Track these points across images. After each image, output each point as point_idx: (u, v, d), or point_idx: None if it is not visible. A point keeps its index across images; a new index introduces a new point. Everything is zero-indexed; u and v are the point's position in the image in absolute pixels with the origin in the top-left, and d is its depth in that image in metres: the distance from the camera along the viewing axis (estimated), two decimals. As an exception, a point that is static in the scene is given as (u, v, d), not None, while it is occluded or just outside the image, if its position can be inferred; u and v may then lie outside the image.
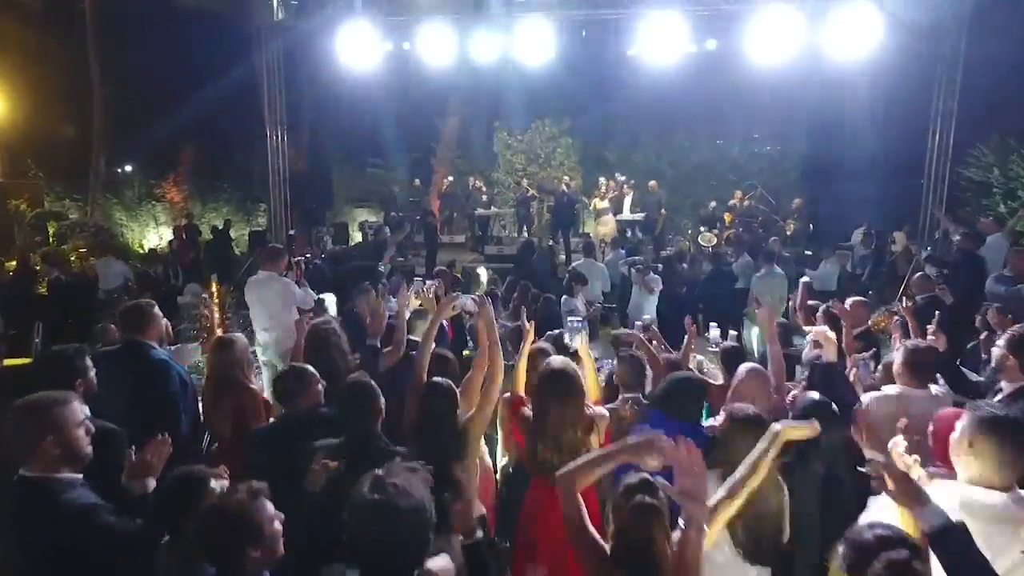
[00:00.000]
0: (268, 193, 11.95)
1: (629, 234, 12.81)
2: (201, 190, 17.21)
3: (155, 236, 17.02)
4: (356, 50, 11.20)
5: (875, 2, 10.28)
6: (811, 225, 12.39)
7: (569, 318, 3.85)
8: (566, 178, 12.91)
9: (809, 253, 11.84)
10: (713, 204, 13.16)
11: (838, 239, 12.99)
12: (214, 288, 9.60)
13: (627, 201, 12.57)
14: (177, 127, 16.44)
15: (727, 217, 13.15)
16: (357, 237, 15.92)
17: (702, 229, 12.83)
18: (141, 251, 17.12)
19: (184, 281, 10.28)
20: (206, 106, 15.61)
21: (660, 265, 8.54)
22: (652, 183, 12.79)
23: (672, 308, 7.83)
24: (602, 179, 12.53)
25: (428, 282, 4.96)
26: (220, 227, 14.14)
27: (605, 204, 12.04)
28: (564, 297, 6.86)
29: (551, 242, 12.23)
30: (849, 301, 4.71)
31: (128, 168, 17.58)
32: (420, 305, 4.35)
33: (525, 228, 14.87)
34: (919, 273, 6.19)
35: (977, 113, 11.78)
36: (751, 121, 16.16)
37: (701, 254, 10.50)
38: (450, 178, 17.31)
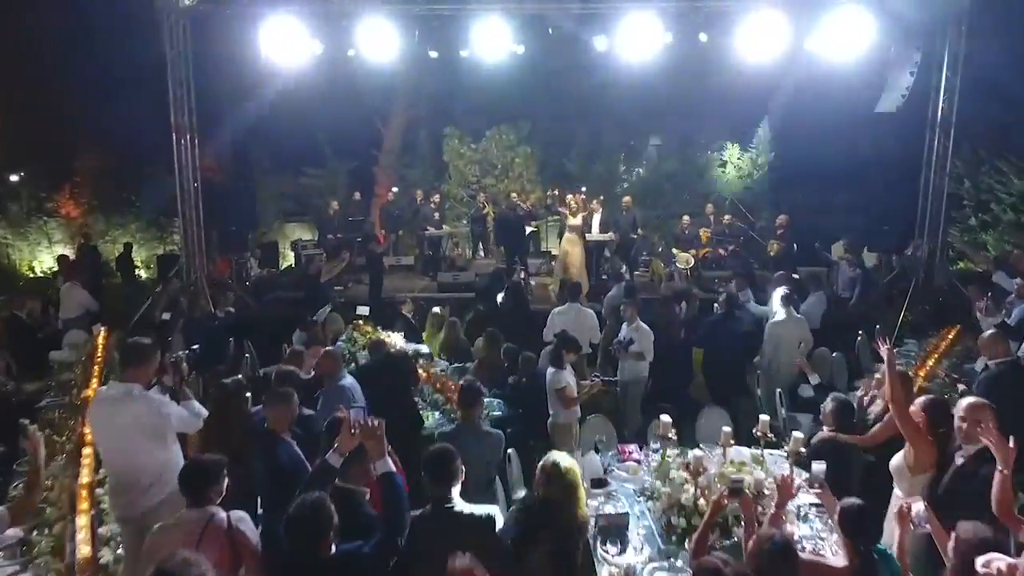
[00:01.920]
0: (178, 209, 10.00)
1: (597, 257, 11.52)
2: (104, 204, 14.89)
3: (49, 257, 14.60)
4: (282, 45, 9.54)
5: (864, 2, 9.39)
6: (795, 245, 11.37)
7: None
8: (513, 195, 11.39)
9: (796, 277, 10.81)
10: (687, 219, 12.00)
11: (811, 254, 12.09)
12: (100, 339, 7.71)
13: (595, 219, 11.24)
14: (74, 130, 14.14)
15: (703, 235, 12.02)
16: (290, 258, 14.07)
17: (675, 249, 11.64)
18: (32, 275, 14.70)
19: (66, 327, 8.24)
20: (109, 106, 13.42)
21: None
22: (626, 199, 11.52)
23: (669, 356, 6.53)
24: (569, 196, 11.16)
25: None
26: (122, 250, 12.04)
27: (578, 221, 10.65)
28: (551, 371, 5.39)
29: (518, 267, 10.76)
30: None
31: (15, 178, 15.02)
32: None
33: (481, 247, 13.37)
34: (991, 332, 5.00)
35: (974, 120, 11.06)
36: (721, 128, 15.19)
37: (686, 282, 9.27)
38: (395, 189, 15.66)
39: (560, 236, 11.78)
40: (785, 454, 4.13)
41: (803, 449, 3.96)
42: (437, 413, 5.64)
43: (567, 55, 11.36)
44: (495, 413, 5.57)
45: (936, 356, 6.72)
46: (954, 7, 9.24)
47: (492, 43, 9.53)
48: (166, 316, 6.88)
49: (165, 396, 3.63)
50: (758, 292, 8.33)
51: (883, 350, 3.68)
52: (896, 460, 3.54)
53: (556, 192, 11.69)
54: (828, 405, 4.44)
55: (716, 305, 9.59)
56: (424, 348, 7.69)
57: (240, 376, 4.86)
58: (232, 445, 3.69)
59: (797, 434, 4.10)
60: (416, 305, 8.86)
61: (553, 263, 12.79)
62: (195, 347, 4.84)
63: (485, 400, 5.83)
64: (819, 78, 11.59)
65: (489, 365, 6.66)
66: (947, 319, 9.96)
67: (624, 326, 6.39)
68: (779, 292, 6.69)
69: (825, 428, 4.46)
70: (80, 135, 14.35)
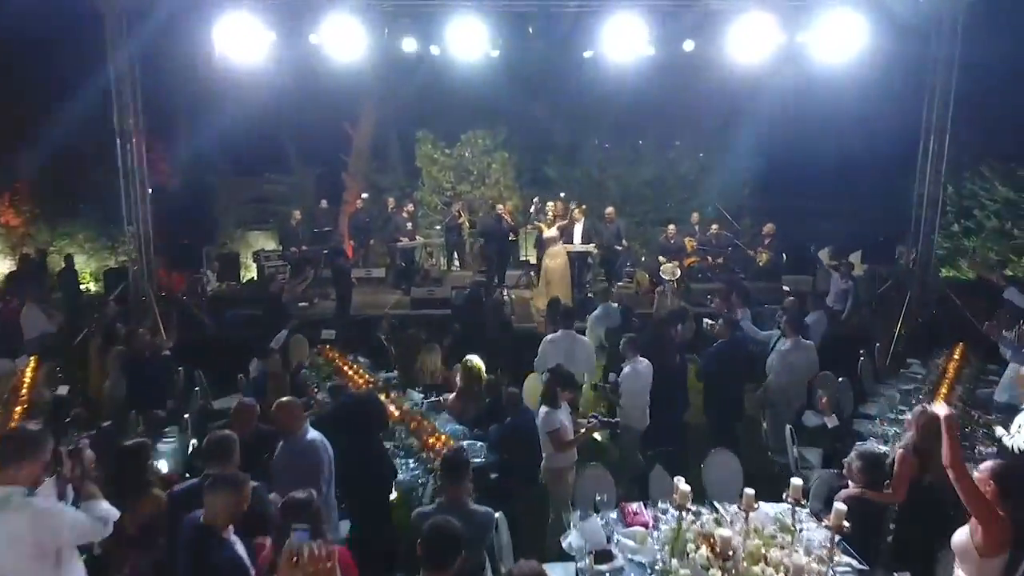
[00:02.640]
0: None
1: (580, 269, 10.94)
2: (49, 213, 13.81)
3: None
4: (238, 42, 8.78)
5: (857, 3, 8.99)
6: (784, 255, 10.94)
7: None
8: (500, 206, 10.75)
9: (786, 289, 10.37)
10: (672, 228, 11.49)
11: (801, 263, 11.71)
12: (30, 367, 6.84)
13: (577, 229, 10.65)
14: (13, 133, 13.04)
15: (688, 244, 11.53)
16: (252, 270, 13.20)
17: (661, 259, 11.12)
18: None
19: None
20: (52, 107, 12.39)
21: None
22: (609, 210, 10.88)
23: (666, 381, 5.95)
24: (550, 203, 10.56)
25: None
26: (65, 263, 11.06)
27: (554, 232, 10.05)
28: (544, 411, 4.77)
29: (496, 284, 10.13)
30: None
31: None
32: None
33: (457, 258, 12.69)
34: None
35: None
36: (703, 133, 14.75)
37: (674, 292, 8.72)
38: (365, 195, 14.86)
39: (538, 244, 11.20)
40: (820, 522, 3.58)
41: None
42: (411, 461, 4.95)
43: (546, 56, 10.74)
44: (476, 460, 4.92)
45: (948, 382, 6.26)
46: (948, 8, 8.88)
47: (467, 42, 8.91)
48: (63, 391, 5.91)
49: (60, 502, 2.84)
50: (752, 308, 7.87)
51: (940, 410, 3.13)
52: (960, 538, 2.99)
53: (537, 200, 11.06)
54: (855, 461, 3.92)
55: (708, 322, 9.16)
56: (394, 376, 7.02)
57: (145, 439, 4.06)
58: (129, 531, 2.96)
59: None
60: (389, 324, 8.15)
61: (532, 274, 12.20)
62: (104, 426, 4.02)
63: (466, 443, 5.26)
64: (806, 80, 11.24)
65: (468, 398, 6.02)
66: (942, 332, 9.67)
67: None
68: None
69: (850, 483, 3.94)
70: (20, 138, 13.26)
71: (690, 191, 14.68)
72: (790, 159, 14.45)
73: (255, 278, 12.70)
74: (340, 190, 14.49)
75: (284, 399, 3.86)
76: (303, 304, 10.32)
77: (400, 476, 4.74)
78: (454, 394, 6.16)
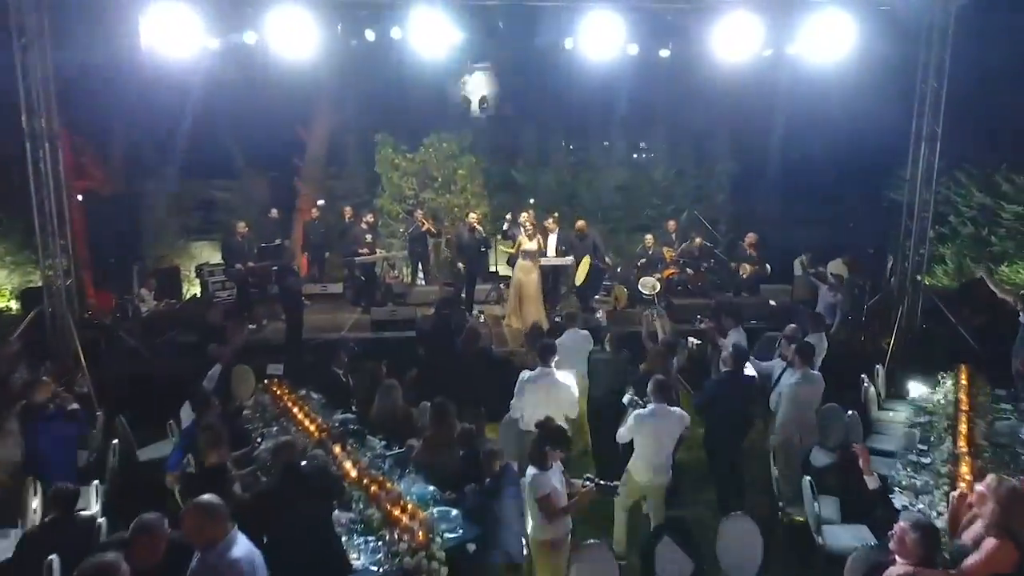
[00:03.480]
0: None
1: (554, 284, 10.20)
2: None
3: None
4: (169, 35, 7.80)
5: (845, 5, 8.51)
6: (768, 266, 10.41)
7: None
8: (473, 216, 9.88)
9: (772, 304, 9.86)
10: (650, 238, 10.85)
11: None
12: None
13: (551, 241, 9.92)
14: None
15: (667, 254, 10.92)
16: (196, 286, 12.07)
17: (638, 264, 10.50)
18: None
19: None
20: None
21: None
22: (580, 223, 10.05)
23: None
24: (524, 214, 9.78)
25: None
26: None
27: (534, 246, 9.28)
28: (532, 472, 3.99)
29: (456, 291, 9.29)
30: None
31: None
32: None
33: (421, 269, 11.80)
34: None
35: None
36: (679, 136, 14.21)
37: (658, 309, 8.00)
38: (321, 202, 13.83)
39: (512, 258, 10.41)
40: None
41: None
42: (372, 540, 4.09)
43: (517, 53, 9.99)
44: (449, 535, 4.11)
45: (966, 416, 5.71)
46: (940, 13, 8.46)
47: (430, 36, 8.09)
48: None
49: None
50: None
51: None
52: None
53: (510, 217, 10.21)
54: (910, 533, 3.24)
55: (692, 341, 8.52)
56: (351, 419, 6.12)
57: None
58: None
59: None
60: (346, 355, 7.21)
61: (503, 286, 11.41)
62: None
63: (435, 510, 4.45)
64: (786, 83, 10.78)
65: (438, 446, 5.20)
66: (935, 347, 9.26)
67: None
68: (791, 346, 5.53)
69: (899, 560, 3.29)
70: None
71: (664, 197, 14.11)
72: (767, 163, 14.05)
73: (198, 295, 11.60)
74: (293, 197, 13.44)
75: (197, 503, 2.91)
76: (251, 326, 9.32)
77: (357, 562, 3.89)
78: (422, 441, 5.33)
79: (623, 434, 4.87)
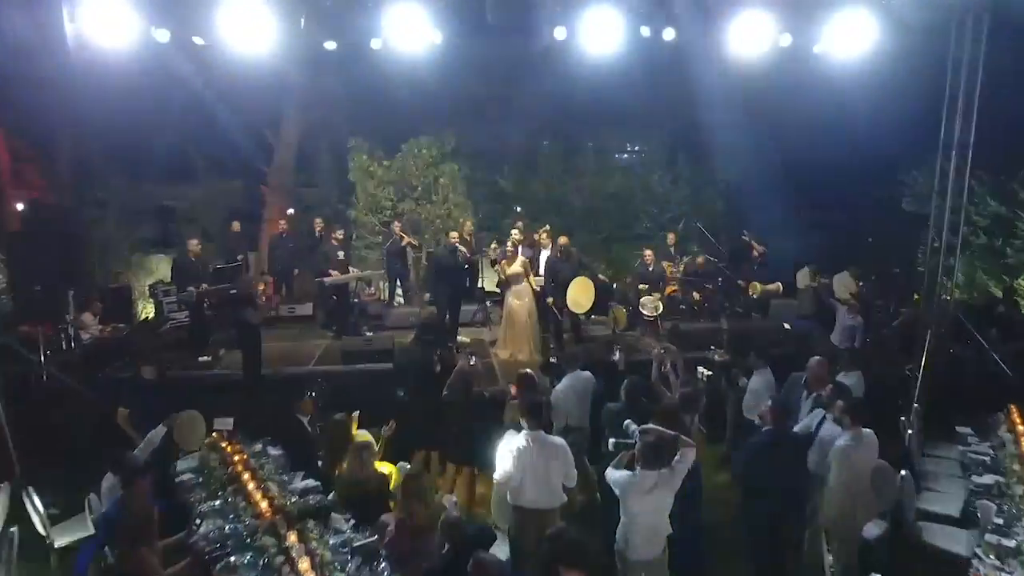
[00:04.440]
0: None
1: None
2: None
3: None
4: (106, 26, 6.74)
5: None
6: (779, 285, 9.56)
7: None
8: (453, 234, 8.79)
9: (787, 327, 9.00)
10: (649, 254, 9.94)
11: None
12: None
13: (543, 257, 8.97)
14: None
15: (667, 269, 10.04)
16: (149, 308, 10.92)
17: (641, 287, 9.58)
18: None
19: None
20: None
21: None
22: (563, 239, 8.80)
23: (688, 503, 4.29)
24: (515, 230, 8.82)
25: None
26: None
27: (518, 268, 8.32)
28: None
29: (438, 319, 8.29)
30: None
31: None
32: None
33: (400, 287, 10.77)
34: None
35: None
36: (675, 139, 13.37)
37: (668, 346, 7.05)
38: (290, 211, 12.78)
39: (500, 284, 9.44)
40: None
41: None
42: None
43: (502, 47, 9.02)
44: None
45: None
46: (974, 6, 7.65)
47: (407, 30, 7.10)
48: None
49: None
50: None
51: None
52: None
53: (495, 247, 9.19)
54: None
55: (703, 372, 7.60)
56: (316, 487, 5.11)
57: None
58: None
59: None
60: (311, 403, 6.16)
61: (490, 303, 10.44)
62: None
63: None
64: (792, 80, 9.96)
65: (416, 533, 4.21)
66: (964, 375, 8.48)
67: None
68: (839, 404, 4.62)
69: None
70: None
71: (660, 205, 13.24)
72: (769, 167, 13.23)
73: (151, 318, 10.45)
74: (259, 207, 12.33)
75: None
76: (203, 358, 8.24)
77: None
78: (393, 525, 4.33)
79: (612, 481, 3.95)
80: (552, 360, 6.83)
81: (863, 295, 9.94)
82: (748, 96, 10.86)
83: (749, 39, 7.79)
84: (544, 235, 9.11)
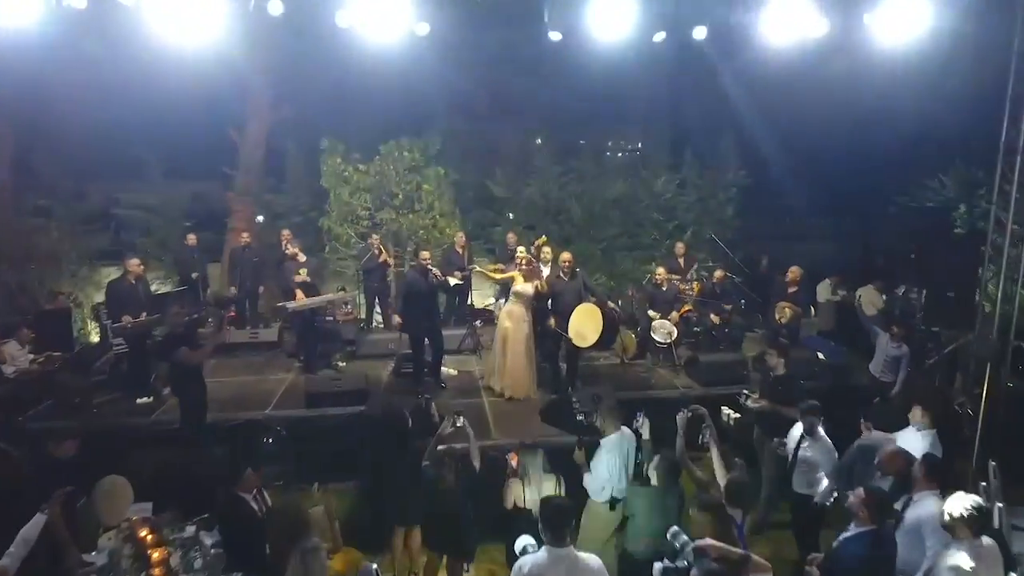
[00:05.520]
0: None
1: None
2: None
3: None
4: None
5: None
6: (812, 309, 8.44)
7: None
8: (425, 254, 7.24)
9: (821, 356, 7.89)
10: (662, 272, 8.78)
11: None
12: None
13: (546, 273, 7.78)
14: None
15: (681, 287, 8.88)
16: (94, 332, 9.65)
17: (652, 313, 8.42)
18: None
19: None
20: None
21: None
22: (566, 257, 7.28)
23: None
24: (520, 248, 7.60)
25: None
26: None
27: (530, 289, 7.12)
28: None
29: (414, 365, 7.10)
30: None
31: None
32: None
33: (377, 306, 9.56)
34: None
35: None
36: (681, 140, 12.23)
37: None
38: (260, 218, 11.53)
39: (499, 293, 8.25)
40: None
41: None
42: None
43: (494, 35, 7.83)
44: None
45: None
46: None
47: (385, 16, 5.93)
48: None
49: None
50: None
51: None
52: None
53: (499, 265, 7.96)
54: None
55: (728, 413, 6.51)
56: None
57: None
58: None
59: None
60: (253, 476, 4.91)
61: (478, 324, 9.27)
62: None
63: None
64: (815, 73, 8.84)
65: None
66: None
67: None
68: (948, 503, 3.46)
69: None
70: None
71: (666, 211, 12.09)
72: (783, 169, 12.14)
73: (94, 344, 9.17)
74: (221, 215, 11.07)
75: None
76: (143, 400, 7.00)
77: None
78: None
79: None
80: (577, 413, 5.64)
81: (905, 318, 8.88)
82: (770, 91, 9.71)
83: (782, 28, 6.72)
84: (548, 249, 7.82)
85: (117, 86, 9.35)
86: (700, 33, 6.61)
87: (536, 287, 7.04)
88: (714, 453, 4.26)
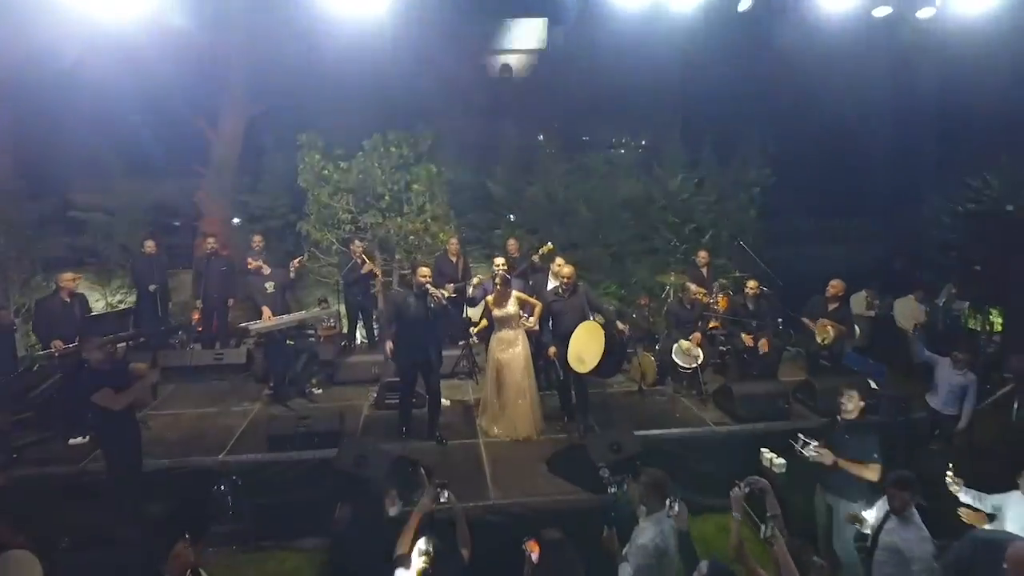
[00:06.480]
0: None
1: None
2: None
3: None
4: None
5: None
6: (856, 328, 7.36)
7: None
8: (424, 271, 5.92)
9: (875, 386, 6.79)
10: (693, 288, 7.70)
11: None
12: None
13: (550, 285, 6.70)
14: None
15: (700, 295, 7.80)
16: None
17: (682, 341, 7.33)
18: None
19: None
20: None
21: None
22: (568, 269, 6.14)
23: None
24: (498, 260, 6.48)
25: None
26: None
27: (510, 309, 6.05)
28: None
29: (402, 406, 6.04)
30: None
31: None
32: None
33: (361, 322, 8.47)
34: None
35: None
36: (696, 136, 11.14)
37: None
38: (236, 220, 10.49)
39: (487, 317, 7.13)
40: None
41: None
42: None
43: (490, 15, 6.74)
44: None
45: None
46: None
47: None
48: None
49: None
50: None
51: None
52: None
53: (477, 282, 6.89)
54: None
55: (782, 461, 5.51)
56: None
57: None
58: None
59: None
60: (183, 549, 3.85)
61: (475, 340, 8.17)
62: None
63: None
64: (842, 53, 7.76)
65: None
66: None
67: None
68: None
69: None
70: None
71: (682, 214, 10.99)
72: (811, 169, 11.04)
73: (43, 362, 8.08)
74: (191, 218, 9.99)
75: None
76: (76, 440, 5.93)
77: None
78: None
79: None
80: (611, 489, 4.54)
81: (971, 339, 7.82)
82: (807, 74, 8.61)
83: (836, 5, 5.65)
84: (561, 262, 6.62)
85: (66, 71, 8.30)
86: (744, 4, 5.50)
87: (515, 301, 5.97)
88: (781, 552, 3.17)
